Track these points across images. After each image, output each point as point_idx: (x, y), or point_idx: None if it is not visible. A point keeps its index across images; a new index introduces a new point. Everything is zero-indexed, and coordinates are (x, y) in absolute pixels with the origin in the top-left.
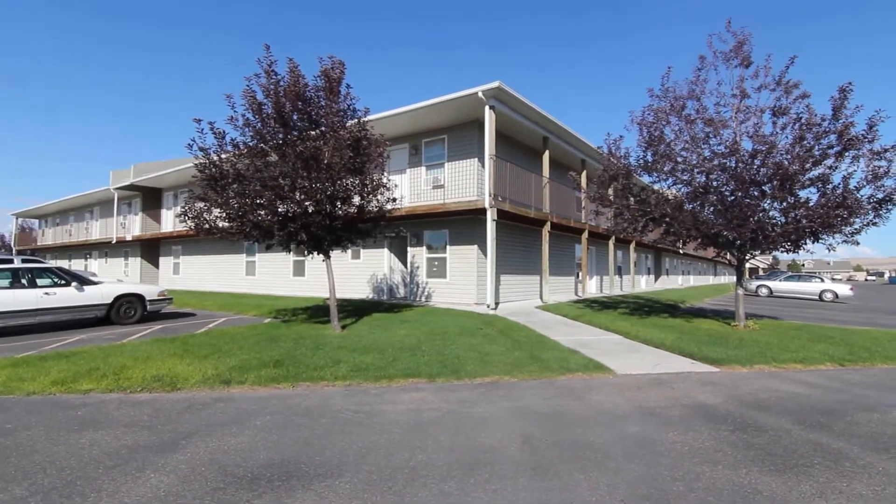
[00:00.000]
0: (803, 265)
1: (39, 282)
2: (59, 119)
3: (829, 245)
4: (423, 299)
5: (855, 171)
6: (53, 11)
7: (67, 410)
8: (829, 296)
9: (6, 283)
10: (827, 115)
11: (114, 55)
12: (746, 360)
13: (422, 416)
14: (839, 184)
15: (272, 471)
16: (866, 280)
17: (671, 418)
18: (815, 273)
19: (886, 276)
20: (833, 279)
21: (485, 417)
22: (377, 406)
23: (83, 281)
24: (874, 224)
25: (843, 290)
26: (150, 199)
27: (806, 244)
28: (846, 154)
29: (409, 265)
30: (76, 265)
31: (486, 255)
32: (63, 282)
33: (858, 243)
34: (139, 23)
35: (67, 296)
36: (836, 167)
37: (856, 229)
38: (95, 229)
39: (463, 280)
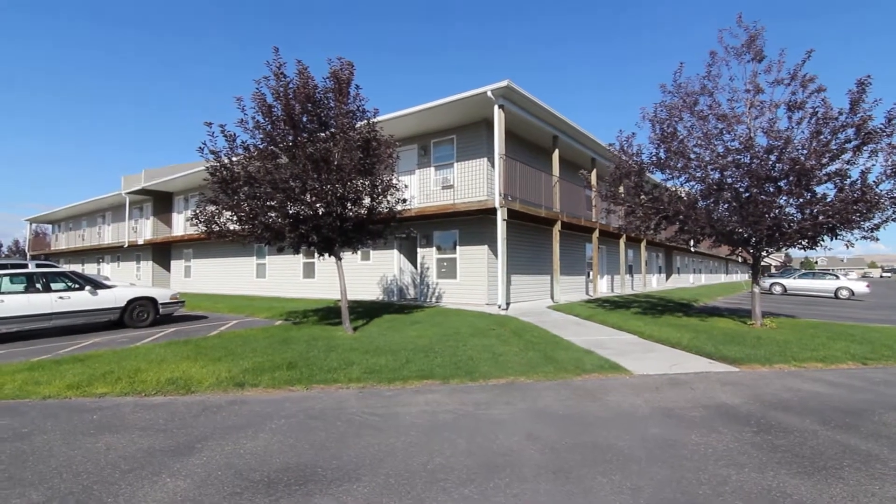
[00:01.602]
0: (816, 262)
1: (54, 286)
2: (72, 126)
3: (847, 241)
4: (434, 300)
5: (874, 165)
6: (62, 20)
7: (83, 414)
8: (844, 293)
9: (21, 287)
10: (844, 108)
11: (124, 62)
12: (766, 359)
13: (437, 418)
14: (857, 179)
15: (289, 475)
16: (881, 277)
17: (692, 419)
18: (830, 270)
19: None
20: (847, 276)
21: (502, 419)
22: (392, 408)
23: (96, 285)
24: (894, 220)
25: (859, 287)
26: (161, 203)
27: (823, 241)
28: (864, 148)
29: (418, 266)
30: (89, 269)
31: (496, 255)
32: (77, 286)
33: (878, 239)
34: (150, 30)
35: (81, 300)
36: (854, 162)
37: (875, 225)
38: (107, 234)
39: (473, 280)
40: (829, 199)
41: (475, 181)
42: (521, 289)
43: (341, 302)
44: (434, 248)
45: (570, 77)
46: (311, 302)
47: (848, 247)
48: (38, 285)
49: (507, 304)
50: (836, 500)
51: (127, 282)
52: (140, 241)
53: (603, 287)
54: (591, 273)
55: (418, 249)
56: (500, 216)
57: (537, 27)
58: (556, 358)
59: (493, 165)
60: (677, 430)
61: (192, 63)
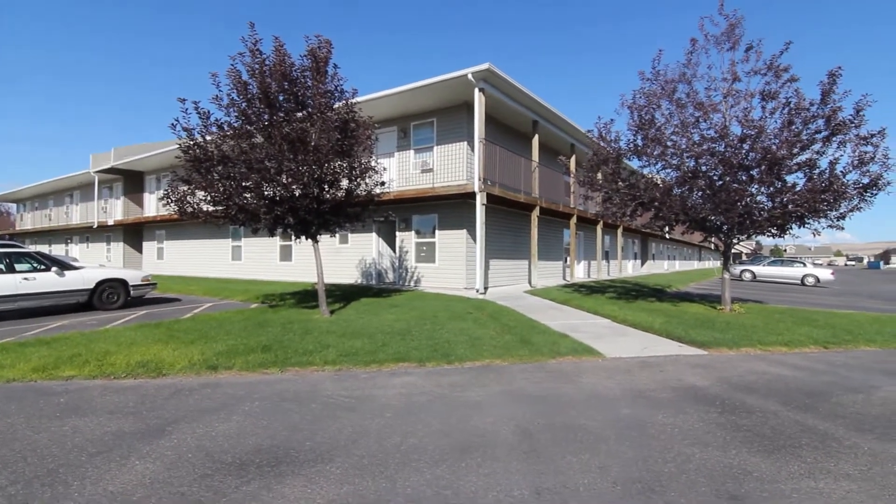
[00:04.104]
0: (785, 250)
1: (18, 267)
2: (38, 103)
3: (815, 230)
4: (412, 284)
5: (842, 156)
6: None
7: (49, 397)
8: (811, 280)
9: None
10: (815, 99)
11: (95, 38)
12: (733, 342)
13: (413, 400)
14: (826, 169)
15: (261, 456)
16: (846, 265)
17: (661, 401)
18: (798, 258)
19: (865, 261)
20: (815, 264)
21: (476, 401)
22: (367, 391)
23: (64, 266)
24: (859, 209)
25: (825, 274)
26: (131, 182)
27: (792, 229)
28: (833, 139)
29: (397, 250)
30: (56, 250)
31: (475, 239)
32: (43, 267)
33: (843, 228)
34: (122, 6)
35: (48, 281)
36: (824, 152)
37: (841, 214)
38: (76, 214)
39: (452, 265)
40: (798, 188)
41: (455, 165)
42: (499, 273)
43: (318, 285)
44: (413, 232)
45: (552, 63)
46: (288, 285)
47: (815, 235)
48: (2, 266)
49: (486, 288)
50: (793, 477)
51: (96, 263)
52: (110, 222)
53: (580, 272)
54: (568, 258)
55: (397, 233)
56: (480, 201)
57: (519, 12)
58: (531, 341)
59: (473, 149)
60: (646, 410)
61: (167, 39)
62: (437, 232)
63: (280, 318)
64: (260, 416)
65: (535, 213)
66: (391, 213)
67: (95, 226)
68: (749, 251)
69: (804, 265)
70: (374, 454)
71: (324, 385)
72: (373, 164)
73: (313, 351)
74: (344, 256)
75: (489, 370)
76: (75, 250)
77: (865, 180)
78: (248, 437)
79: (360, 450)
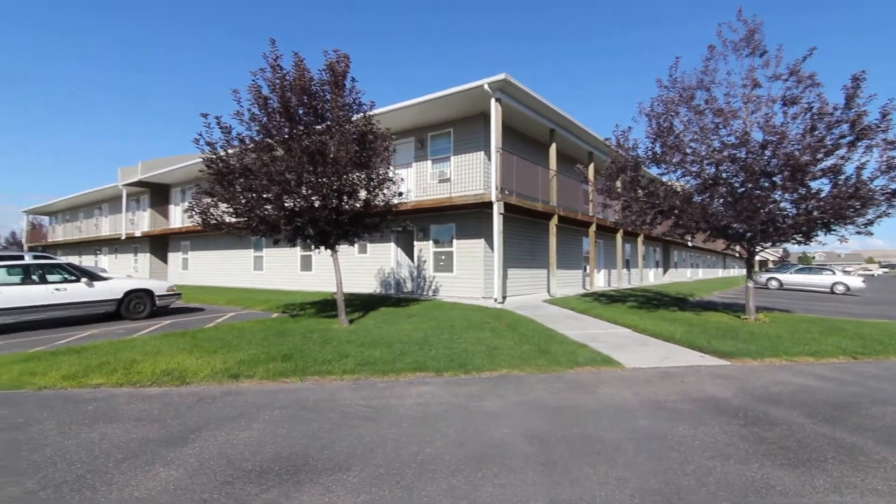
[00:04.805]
0: (814, 257)
1: (50, 278)
2: (67, 117)
3: (842, 236)
4: (430, 293)
5: (868, 161)
6: (58, 9)
7: (78, 405)
8: (840, 288)
9: (18, 279)
10: (839, 104)
11: (122, 52)
12: (757, 353)
13: (430, 410)
14: (852, 174)
15: (280, 464)
16: (876, 274)
17: (681, 412)
18: (826, 265)
19: None
20: (845, 271)
21: (493, 411)
22: (385, 400)
23: (93, 277)
24: (888, 215)
25: (855, 282)
26: (158, 195)
27: (817, 236)
28: (859, 144)
29: (415, 259)
30: (86, 261)
31: (492, 248)
32: (73, 278)
33: (872, 234)
34: (148, 20)
35: (78, 291)
36: (849, 157)
37: (869, 220)
38: (105, 225)
39: (470, 274)
40: (823, 195)
41: (472, 175)
42: (517, 282)
43: (337, 295)
44: (431, 242)
45: (569, 70)
46: (309, 294)
47: (842, 242)
48: (35, 277)
49: (504, 297)
50: (818, 491)
51: (124, 274)
52: (137, 233)
53: (600, 281)
54: (587, 267)
55: (415, 243)
56: (497, 210)
57: (535, 20)
58: (549, 351)
59: (489, 159)
60: (666, 422)
61: (192, 53)
62: (454, 241)
63: (300, 327)
64: (280, 424)
65: (554, 222)
66: (409, 223)
67: (123, 237)
68: (776, 259)
69: (833, 273)
70: (390, 463)
71: (342, 394)
72: (391, 174)
73: (332, 360)
74: (363, 266)
75: (506, 380)
76: (104, 261)
77: (894, 186)
78: (268, 446)
79: (378, 459)
